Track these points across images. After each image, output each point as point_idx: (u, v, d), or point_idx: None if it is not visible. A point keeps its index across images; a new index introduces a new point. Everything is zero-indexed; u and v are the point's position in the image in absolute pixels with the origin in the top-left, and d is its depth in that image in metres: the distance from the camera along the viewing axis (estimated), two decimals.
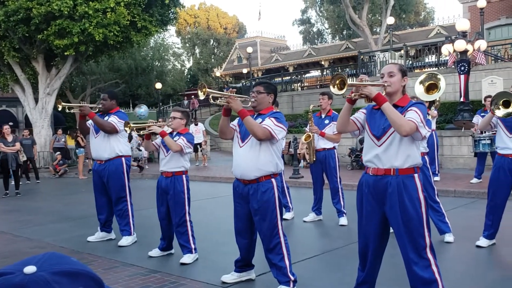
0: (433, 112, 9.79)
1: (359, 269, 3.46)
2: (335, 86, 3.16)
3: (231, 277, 4.24)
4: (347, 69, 27.17)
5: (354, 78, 21.32)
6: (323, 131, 6.41)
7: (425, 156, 5.56)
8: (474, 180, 9.80)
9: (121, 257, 5.30)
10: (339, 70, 27.39)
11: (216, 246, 5.67)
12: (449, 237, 5.50)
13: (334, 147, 6.73)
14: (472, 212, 7.30)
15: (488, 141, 9.23)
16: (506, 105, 4.59)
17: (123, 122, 5.59)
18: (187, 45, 51.63)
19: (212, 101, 3.77)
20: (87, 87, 30.48)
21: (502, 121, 4.98)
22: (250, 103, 3.91)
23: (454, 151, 12.83)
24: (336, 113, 6.35)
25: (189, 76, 49.82)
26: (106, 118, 5.93)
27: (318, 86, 25.24)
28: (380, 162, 3.16)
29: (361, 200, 3.32)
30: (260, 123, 3.78)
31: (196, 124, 17.15)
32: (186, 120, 5.13)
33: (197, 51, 51.74)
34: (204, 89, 3.69)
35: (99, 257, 5.32)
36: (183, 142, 4.92)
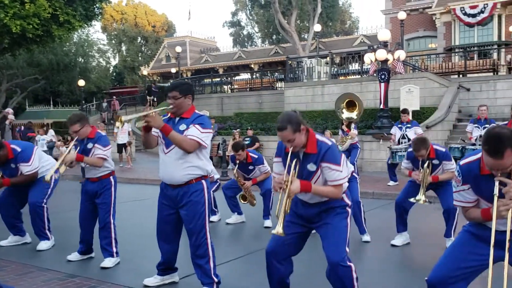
0: (353, 132, 10.22)
1: None
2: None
3: (154, 280, 4.16)
4: (276, 73, 27.65)
5: (283, 83, 21.82)
6: (254, 178, 6.77)
7: (354, 173, 5.96)
8: (391, 183, 10.36)
9: (37, 262, 5.01)
10: (269, 74, 27.81)
11: (139, 249, 5.53)
12: (366, 237, 5.80)
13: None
14: (389, 212, 7.69)
15: (404, 153, 9.82)
16: (349, 105, 4.98)
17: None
18: (113, 42, 50.03)
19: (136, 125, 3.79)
20: (3, 82, 28.57)
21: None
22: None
23: (373, 155, 13.47)
24: (257, 156, 6.74)
25: (114, 73, 48.25)
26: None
27: (248, 89, 25.45)
28: None
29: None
30: (185, 130, 3.71)
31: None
32: (86, 123, 4.88)
33: (123, 48, 50.28)
34: (119, 120, 3.61)
35: (12, 262, 5.00)
36: (101, 153, 4.79)
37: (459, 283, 2.72)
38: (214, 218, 7.09)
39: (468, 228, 2.84)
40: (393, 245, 5.57)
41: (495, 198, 2.47)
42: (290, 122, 3.07)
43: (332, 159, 3.11)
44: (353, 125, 10.34)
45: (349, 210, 3.33)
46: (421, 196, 5.21)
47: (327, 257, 3.13)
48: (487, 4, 21.25)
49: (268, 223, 6.72)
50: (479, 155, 2.62)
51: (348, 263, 3.10)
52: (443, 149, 5.32)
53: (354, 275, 3.13)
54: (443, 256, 2.84)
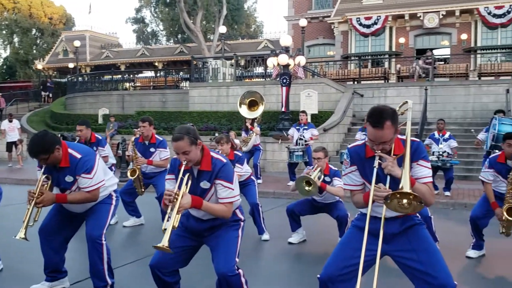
0: (257, 129, 10.52)
1: None
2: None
3: (41, 287, 3.89)
4: (181, 72, 27.34)
5: (188, 82, 21.62)
6: (150, 159, 6.28)
7: (252, 176, 6.11)
8: (291, 183, 10.71)
9: None
10: (173, 73, 27.40)
11: (24, 254, 5.14)
12: (265, 236, 5.94)
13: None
14: None
15: (301, 153, 10.24)
16: (308, 184, 5.21)
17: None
18: (4, 32, 46.16)
19: None
20: None
21: None
22: None
23: (275, 156, 13.85)
24: (161, 139, 6.35)
25: (5, 66, 44.53)
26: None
27: (151, 87, 24.87)
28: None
29: None
30: None
31: (11, 121, 15.37)
32: None
33: (16, 40, 46.58)
34: None
35: None
36: None
37: (352, 279, 2.77)
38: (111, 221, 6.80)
39: (355, 223, 2.94)
40: (290, 243, 5.77)
41: (374, 170, 2.66)
42: (188, 133, 3.03)
43: (226, 176, 3.11)
44: (256, 123, 10.60)
45: (242, 223, 3.34)
46: None
47: (216, 269, 3.10)
48: (380, 16, 22.86)
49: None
50: (365, 140, 2.83)
51: (237, 271, 3.09)
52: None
53: (243, 280, 3.14)
54: (332, 253, 2.93)
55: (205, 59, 21.95)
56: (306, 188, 5.23)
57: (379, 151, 2.66)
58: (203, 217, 3.25)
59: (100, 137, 6.52)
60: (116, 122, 16.97)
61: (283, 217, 7.32)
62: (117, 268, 4.45)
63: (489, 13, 21.18)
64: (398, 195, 2.49)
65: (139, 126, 6.25)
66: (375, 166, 2.66)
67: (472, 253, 5.25)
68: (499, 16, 21.02)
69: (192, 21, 29.12)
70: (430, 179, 2.71)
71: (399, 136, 2.78)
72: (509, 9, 20.83)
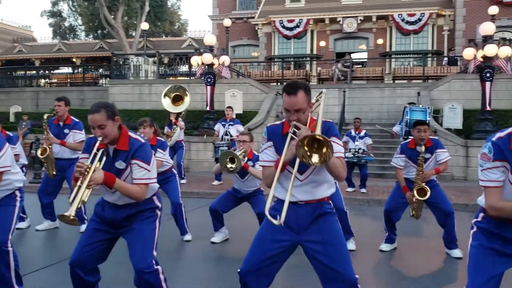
0: (181, 124, 10.39)
1: None
2: None
3: None
4: (101, 69, 26.32)
5: (108, 79, 20.85)
6: (64, 140, 5.98)
7: (172, 169, 5.97)
8: (215, 182, 10.71)
9: None
10: (93, 69, 26.30)
11: None
12: (187, 236, 5.89)
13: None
14: None
15: (226, 148, 10.23)
16: (231, 161, 5.24)
17: None
18: None
19: None
20: None
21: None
22: None
23: (200, 156, 13.77)
24: (77, 120, 6.07)
25: None
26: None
27: (68, 84, 23.70)
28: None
29: None
30: None
31: None
32: None
33: None
34: None
35: None
36: None
37: (271, 273, 2.90)
38: (22, 224, 6.40)
39: (270, 212, 2.82)
40: (212, 242, 5.77)
41: (288, 137, 2.77)
42: (106, 107, 2.97)
43: (143, 157, 3.04)
44: (180, 118, 10.45)
45: (159, 212, 3.27)
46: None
47: (133, 265, 3.03)
48: (302, 19, 23.50)
49: (83, 227, 6.19)
50: (283, 120, 2.93)
51: (155, 267, 3.04)
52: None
53: (162, 277, 3.09)
54: (250, 247, 2.96)
55: (126, 55, 21.32)
56: (229, 165, 5.21)
57: (295, 122, 2.74)
58: (117, 201, 3.12)
59: (11, 134, 6.07)
60: (29, 120, 16.02)
61: (207, 217, 7.30)
62: (30, 274, 4.19)
63: (403, 20, 22.51)
64: (312, 139, 2.57)
65: (55, 106, 5.99)
66: (290, 131, 2.77)
67: (385, 246, 5.55)
68: (412, 23, 22.41)
69: (113, 16, 28.13)
70: (342, 155, 2.81)
71: (314, 118, 2.91)
72: (420, 17, 22.27)
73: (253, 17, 24.91)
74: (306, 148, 2.57)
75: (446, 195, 5.42)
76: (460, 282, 4.46)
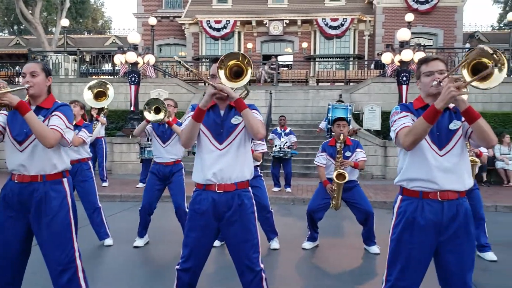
0: (102, 119, 9.99)
1: None
2: None
3: None
4: (17, 66, 24.70)
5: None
6: None
7: (89, 162, 5.63)
8: (140, 185, 10.41)
9: None
10: (8, 66, 24.63)
11: None
12: (109, 241, 5.66)
13: None
14: (134, 214, 7.69)
15: (152, 149, 9.99)
16: (156, 111, 5.09)
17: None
18: None
19: None
20: None
21: (155, 131, 5.47)
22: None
23: (123, 158, 13.33)
24: None
25: None
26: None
27: None
28: (26, 169, 2.89)
29: None
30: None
31: None
32: None
33: None
34: None
35: None
36: None
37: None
38: None
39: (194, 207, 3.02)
40: (136, 247, 5.59)
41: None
42: (45, 64, 3.00)
43: (64, 112, 2.93)
44: (102, 114, 10.03)
45: (70, 202, 3.01)
46: None
47: (48, 264, 2.94)
48: (229, 20, 23.55)
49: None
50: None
51: (74, 264, 2.96)
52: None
53: (81, 275, 2.98)
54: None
55: (45, 53, 20.21)
56: (152, 114, 5.12)
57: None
58: (26, 166, 2.86)
59: None
60: None
61: (130, 221, 7.09)
62: None
63: (326, 25, 23.26)
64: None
65: None
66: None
67: (307, 244, 5.68)
68: (335, 27, 23.21)
69: (30, 11, 26.56)
70: (260, 117, 2.97)
71: None
72: (343, 22, 23.12)
73: (179, 17, 24.59)
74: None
75: (365, 195, 5.62)
76: (378, 278, 4.65)
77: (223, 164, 2.88)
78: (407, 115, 2.68)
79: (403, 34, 12.91)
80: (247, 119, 2.80)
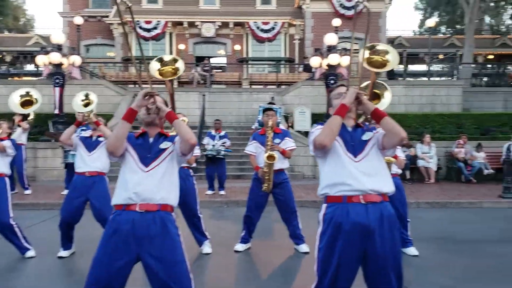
0: (24, 124, 9.46)
1: None
2: None
3: None
4: None
5: None
6: None
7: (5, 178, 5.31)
8: (65, 192, 9.92)
9: None
10: None
11: None
12: (30, 253, 5.35)
13: None
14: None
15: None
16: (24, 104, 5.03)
17: None
18: None
19: None
20: None
21: (81, 139, 5.29)
22: None
23: (48, 163, 12.69)
24: None
25: None
26: None
27: None
28: None
29: None
30: None
31: None
32: None
33: None
34: None
35: None
36: None
37: None
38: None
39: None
40: (60, 257, 5.33)
41: None
42: None
43: None
44: (26, 122, 9.49)
45: None
46: None
47: None
48: (160, 21, 23.13)
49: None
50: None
51: None
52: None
53: None
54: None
55: None
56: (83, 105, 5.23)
57: None
58: None
59: None
60: None
61: (55, 230, 6.73)
62: None
63: (258, 28, 23.50)
64: None
65: None
66: None
67: (240, 246, 5.68)
68: (266, 31, 23.50)
69: None
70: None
71: None
72: (274, 26, 23.47)
73: (107, 16, 23.81)
74: None
75: (293, 194, 5.72)
76: (308, 277, 4.74)
77: (148, 187, 2.76)
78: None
79: (330, 38, 13.33)
80: (179, 128, 2.77)
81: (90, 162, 5.22)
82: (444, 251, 5.84)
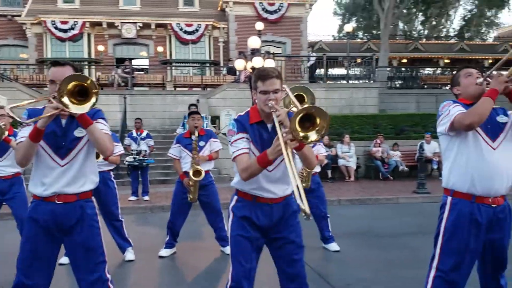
0: None
1: None
2: None
3: None
4: None
5: None
6: None
7: None
8: None
9: None
10: None
11: None
12: None
13: None
14: None
15: None
16: None
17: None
18: None
19: None
20: None
21: None
22: None
23: None
24: None
25: None
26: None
27: None
28: None
29: None
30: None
31: None
32: None
33: None
34: None
35: None
36: None
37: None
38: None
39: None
40: None
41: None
42: None
43: None
44: None
45: None
46: None
47: None
48: (77, 21, 22.14)
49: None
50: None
51: None
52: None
53: None
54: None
55: None
56: None
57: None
58: None
59: None
60: None
61: None
62: None
63: (181, 29, 23.23)
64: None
65: None
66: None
67: (164, 252, 5.56)
68: (190, 33, 23.29)
69: None
70: None
71: None
72: (198, 28, 23.31)
73: (19, 15, 22.39)
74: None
75: (219, 196, 5.70)
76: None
77: (66, 180, 2.71)
78: (243, 137, 2.73)
79: (253, 42, 13.48)
80: (93, 136, 2.66)
81: (2, 167, 4.92)
82: (364, 245, 6.09)
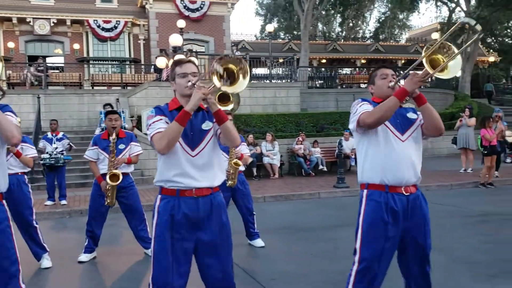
0: None
1: None
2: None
3: None
4: None
5: None
6: None
7: None
8: None
9: None
10: None
11: None
12: None
13: None
14: None
15: None
16: None
17: None
18: None
19: None
20: None
21: None
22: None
23: None
24: None
25: None
26: None
27: None
28: None
29: None
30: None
31: None
32: None
33: None
34: None
35: None
36: None
37: None
38: None
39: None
40: None
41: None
42: None
43: None
44: None
45: None
46: None
47: None
48: None
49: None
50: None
51: None
52: None
53: None
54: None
55: None
56: None
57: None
58: None
59: None
60: None
61: None
62: None
63: (99, 26, 22.36)
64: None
65: None
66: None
67: (84, 257, 5.32)
68: (108, 30, 22.48)
69: None
70: None
71: None
72: (116, 25, 22.56)
73: None
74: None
75: (140, 198, 5.56)
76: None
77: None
78: (161, 119, 2.68)
79: (175, 39, 13.31)
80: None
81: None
82: (288, 240, 6.23)
